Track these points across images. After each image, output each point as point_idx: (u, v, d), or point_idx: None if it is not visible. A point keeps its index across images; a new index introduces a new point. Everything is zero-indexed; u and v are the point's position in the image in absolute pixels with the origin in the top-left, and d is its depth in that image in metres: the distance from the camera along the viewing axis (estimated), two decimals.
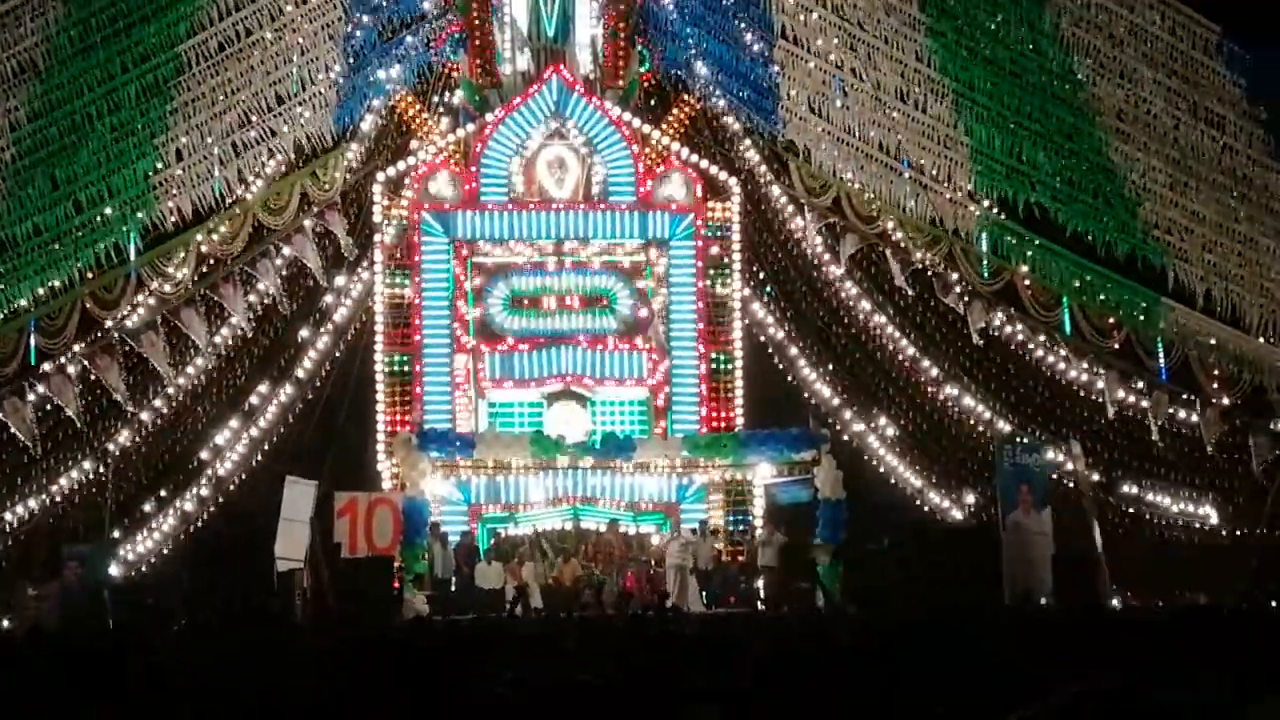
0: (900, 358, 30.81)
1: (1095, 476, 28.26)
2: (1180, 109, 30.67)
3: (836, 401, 30.72)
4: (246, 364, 30.23)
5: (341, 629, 19.15)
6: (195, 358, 29.33)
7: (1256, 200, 30.23)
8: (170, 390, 28.95)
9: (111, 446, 28.11)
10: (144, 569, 27.15)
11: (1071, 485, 27.54)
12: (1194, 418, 29.32)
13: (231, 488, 28.93)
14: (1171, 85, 30.72)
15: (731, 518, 29.48)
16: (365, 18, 29.94)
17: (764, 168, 31.51)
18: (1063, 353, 30.18)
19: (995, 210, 29.99)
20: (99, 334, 28.42)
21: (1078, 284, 30.05)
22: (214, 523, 28.29)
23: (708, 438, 28.77)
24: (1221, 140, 30.67)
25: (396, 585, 25.62)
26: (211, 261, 29.47)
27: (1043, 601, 23.35)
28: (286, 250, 29.75)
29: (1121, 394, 29.59)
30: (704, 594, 26.78)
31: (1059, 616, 18.70)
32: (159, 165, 28.49)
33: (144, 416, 28.72)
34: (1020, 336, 30.29)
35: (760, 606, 26.68)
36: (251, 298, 29.59)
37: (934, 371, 30.54)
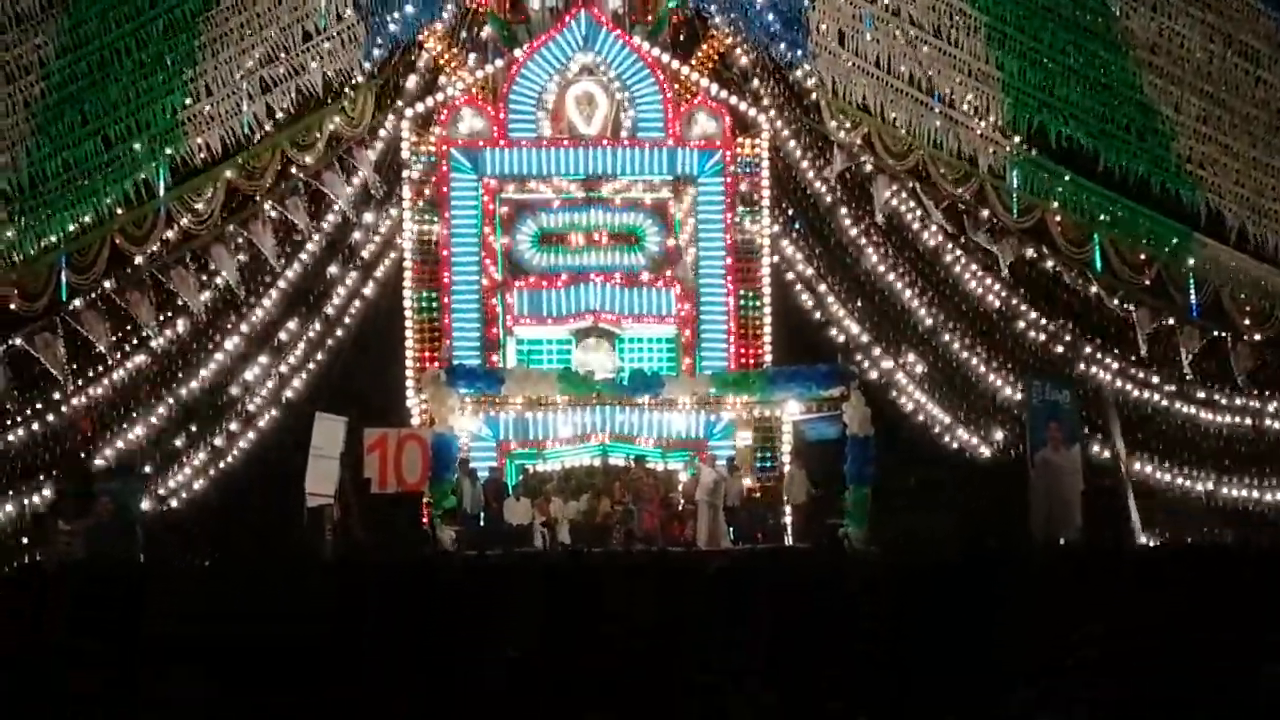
0: (930, 294, 30.63)
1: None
2: (1214, 42, 30.21)
3: (865, 338, 30.56)
4: (276, 300, 30.14)
5: (371, 563, 19.23)
6: (223, 294, 29.31)
7: None
8: (199, 325, 28.97)
9: (142, 381, 28.18)
10: (175, 504, 27.25)
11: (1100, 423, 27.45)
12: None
13: (262, 423, 28.98)
14: (1205, 19, 30.24)
15: (759, 454, 29.42)
16: None
17: (794, 104, 31.27)
18: (1094, 289, 29.97)
19: (1026, 145, 29.66)
20: (129, 269, 28.41)
21: (1109, 219, 29.75)
22: (244, 458, 28.34)
23: (736, 374, 28.64)
24: (1255, 73, 30.22)
25: (425, 521, 25.66)
26: (241, 198, 29.38)
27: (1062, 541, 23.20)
28: (315, 186, 29.64)
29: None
30: (731, 530, 26.75)
31: (1087, 556, 18.61)
32: (187, 101, 28.35)
33: (173, 351, 28.75)
34: (1052, 272, 30.14)
35: (788, 543, 26.64)
36: (280, 233, 29.50)
37: (963, 308, 30.41)
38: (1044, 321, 30.29)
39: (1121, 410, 27.72)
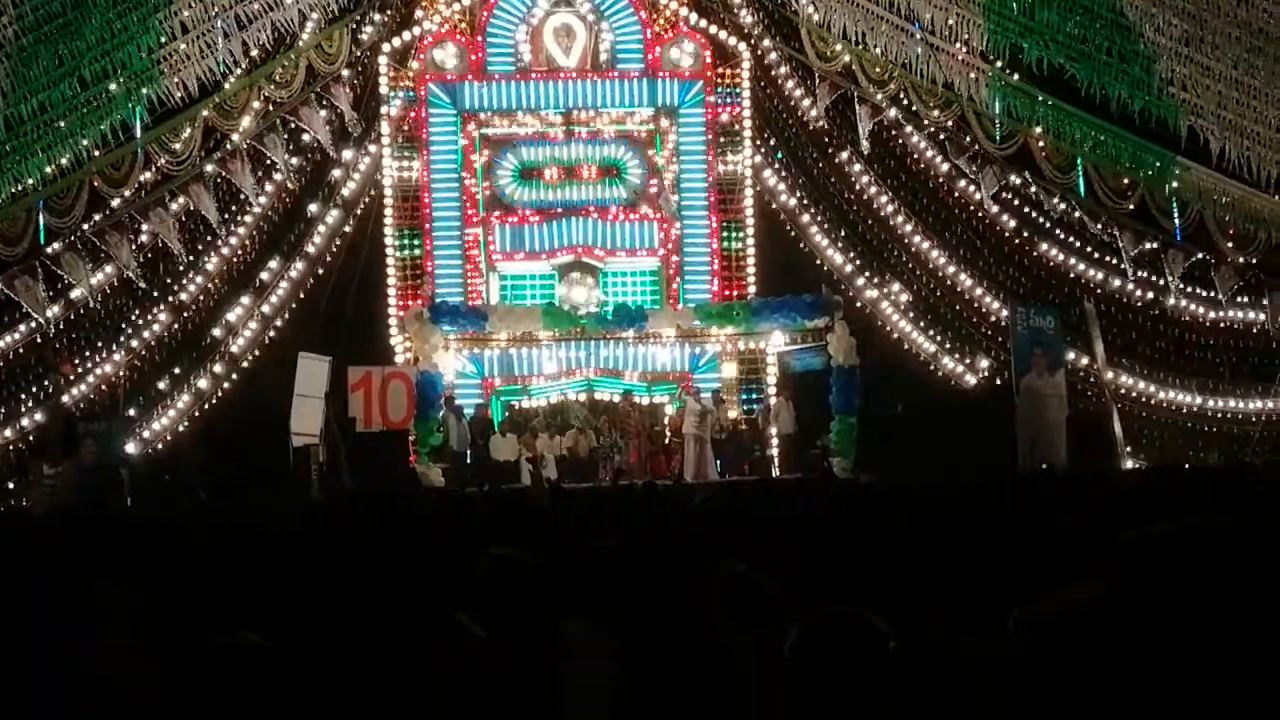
0: (914, 222, 30.60)
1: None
2: None
3: (849, 269, 30.53)
4: (256, 240, 29.98)
5: (357, 500, 19.17)
6: (205, 234, 29.14)
7: (1273, 54, 29.58)
8: (181, 267, 28.83)
9: (125, 325, 28.07)
10: (160, 446, 27.17)
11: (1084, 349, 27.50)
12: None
13: (245, 364, 28.89)
14: None
15: (745, 386, 29.48)
16: None
17: (775, 32, 31.15)
18: (1078, 214, 29.93)
19: (1007, 70, 29.49)
20: (108, 210, 28.22)
21: (1091, 145, 29.65)
22: (229, 399, 28.26)
23: (719, 306, 28.62)
24: None
25: (412, 459, 25.64)
26: (219, 136, 29.16)
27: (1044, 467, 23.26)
28: (294, 125, 29.40)
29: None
30: (718, 462, 26.80)
31: (1071, 482, 18.61)
32: (162, 40, 28.02)
33: (155, 293, 28.63)
34: (1035, 198, 30.09)
35: (775, 474, 26.71)
36: (259, 173, 29.29)
37: (947, 235, 30.39)
38: (1028, 246, 30.28)
39: (1105, 330, 27.74)
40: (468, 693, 5.73)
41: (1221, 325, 29.42)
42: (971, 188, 30.52)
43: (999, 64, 29.45)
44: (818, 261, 30.63)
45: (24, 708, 5.17)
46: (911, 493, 13.54)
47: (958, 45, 29.28)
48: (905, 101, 30.12)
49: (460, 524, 11.53)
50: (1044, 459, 22.93)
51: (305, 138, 29.68)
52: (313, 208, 30.04)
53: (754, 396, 29.42)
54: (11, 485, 25.75)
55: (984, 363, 29.63)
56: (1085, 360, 27.85)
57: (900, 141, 30.81)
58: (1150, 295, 29.62)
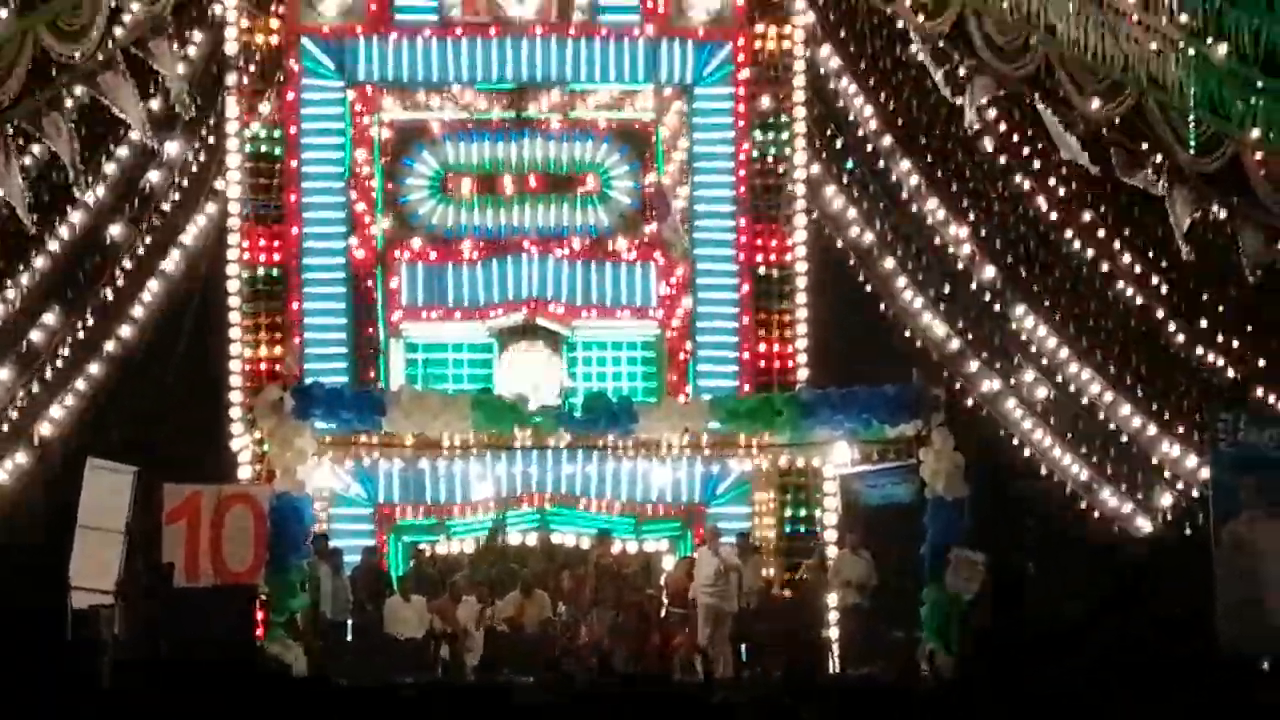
0: (1059, 277, 30.77)
1: None
2: None
3: (956, 343, 30.64)
4: (25, 275, 30.08)
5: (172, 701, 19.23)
6: None
7: None
8: None
9: None
10: None
11: None
12: None
13: (1, 474, 28.91)
14: None
15: (789, 528, 29.56)
16: None
17: None
18: None
19: (1213, 43, 29.75)
20: None
21: None
22: None
23: (751, 400, 28.58)
24: None
25: (259, 631, 25.61)
26: None
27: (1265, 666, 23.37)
28: (87, 95, 29.53)
29: None
30: (743, 648, 26.82)
31: None
32: None
33: None
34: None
35: (834, 668, 26.72)
36: (32, 167, 29.40)
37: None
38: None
39: None
40: None
41: None
42: (1153, 219, 30.74)
43: (1199, 31, 29.71)
44: (907, 333, 30.76)
45: None
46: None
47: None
48: (1049, 87, 30.29)
49: None
50: (1264, 647, 23.05)
51: (108, 119, 29.82)
52: (115, 230, 30.11)
53: (803, 537, 29.49)
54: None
55: (1165, 498, 29.67)
56: None
57: (1041, 151, 30.98)
58: None
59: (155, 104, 29.91)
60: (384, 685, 22.02)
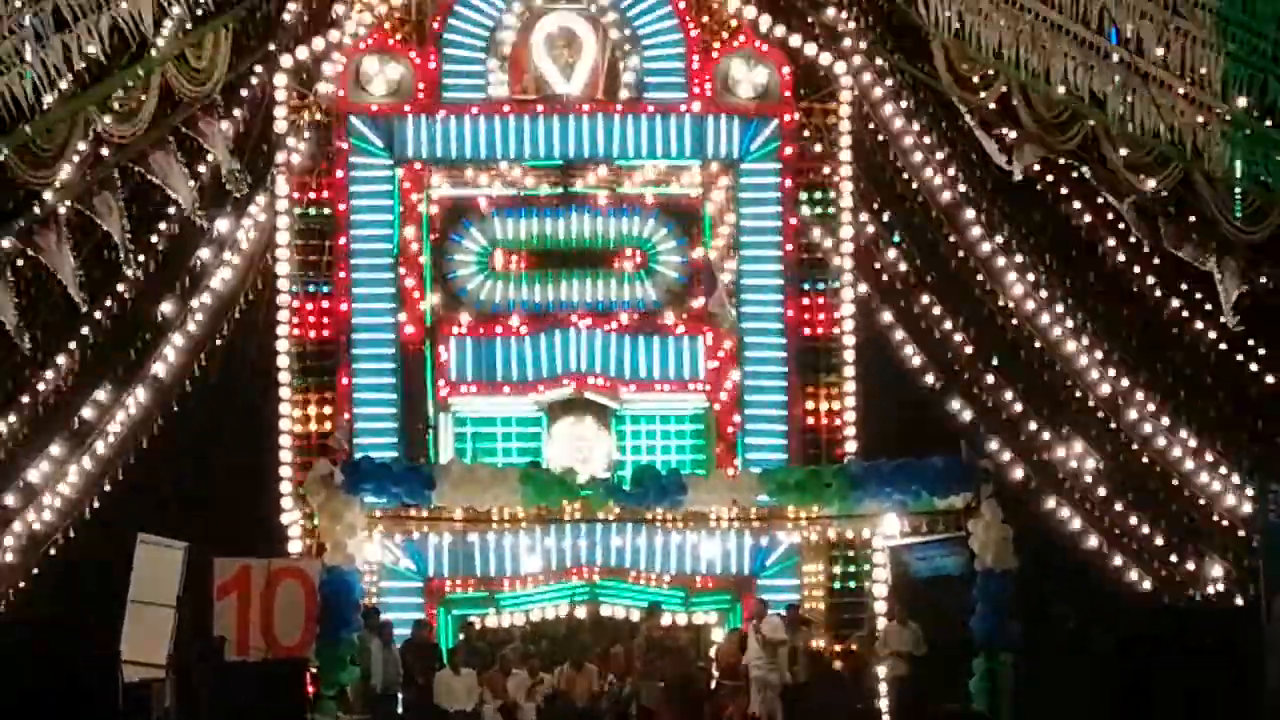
0: (1107, 347, 30.81)
1: None
2: None
3: (1006, 415, 30.62)
4: (80, 357, 30.24)
5: None
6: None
7: None
8: None
9: None
10: None
11: None
12: None
13: (52, 550, 29.02)
14: None
15: (839, 599, 29.56)
16: None
17: (890, 43, 31.52)
18: None
19: (1256, 115, 29.73)
20: None
21: None
22: (22, 606, 28.37)
23: (801, 472, 28.46)
24: None
25: (310, 703, 25.61)
26: (22, 195, 29.46)
27: None
28: (139, 177, 29.68)
29: None
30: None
31: None
32: None
33: None
34: None
35: None
36: (80, 250, 29.52)
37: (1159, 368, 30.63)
38: None
39: None
40: None
41: None
42: (1198, 293, 30.75)
43: (1243, 102, 29.68)
44: (955, 405, 30.73)
45: None
46: None
47: (1178, 74, 29.54)
48: (1096, 155, 30.33)
49: None
50: None
51: (158, 198, 30.02)
52: (165, 308, 30.32)
53: (851, 604, 29.58)
54: None
55: (1216, 569, 29.56)
56: None
57: (1085, 219, 31.06)
58: None
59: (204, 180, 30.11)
60: None
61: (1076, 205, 31.59)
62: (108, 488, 29.52)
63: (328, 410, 29.78)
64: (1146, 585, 29.91)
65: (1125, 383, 31.08)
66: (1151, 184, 29.91)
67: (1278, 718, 23.38)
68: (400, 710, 26.40)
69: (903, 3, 31.11)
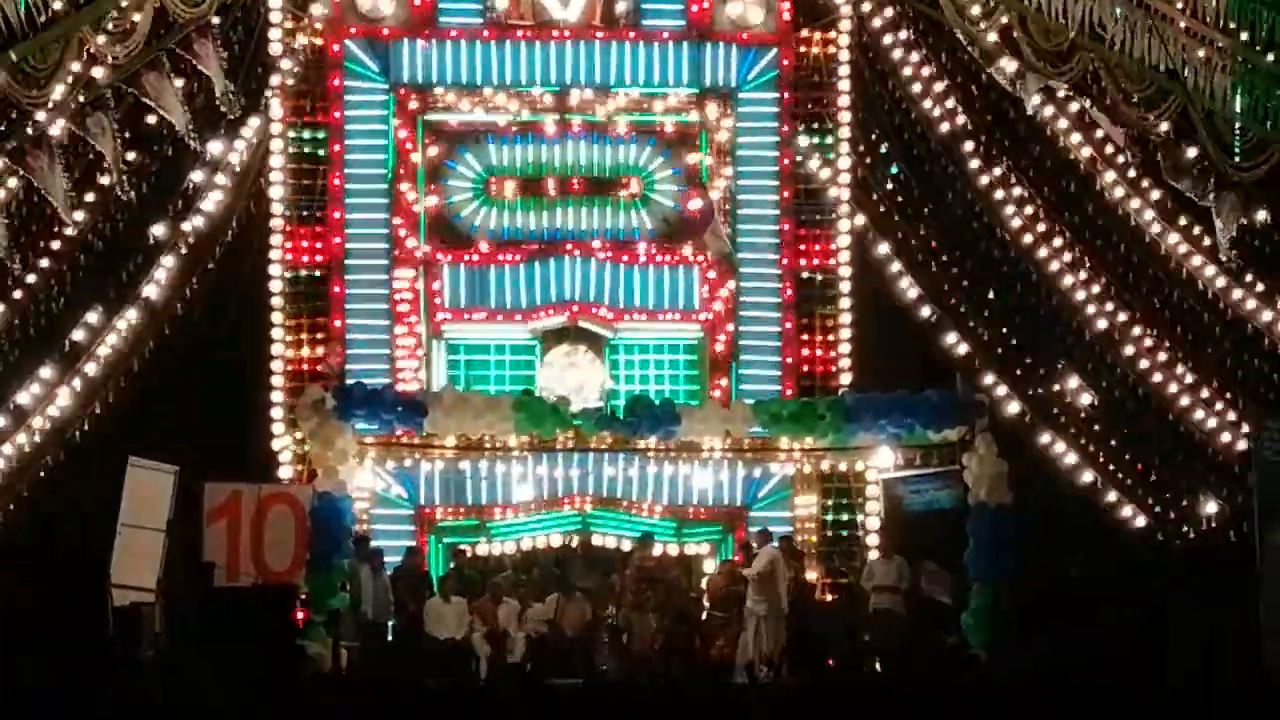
0: (1103, 281, 30.78)
1: None
2: None
3: (1000, 352, 30.58)
4: (68, 276, 30.19)
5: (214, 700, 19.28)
6: None
7: None
8: None
9: None
10: None
11: None
12: None
13: (41, 473, 29.00)
14: None
15: (831, 531, 29.53)
16: None
17: None
18: None
19: (1261, 49, 29.67)
20: None
21: None
22: (10, 527, 28.35)
23: (795, 403, 28.52)
24: None
25: (299, 628, 25.56)
26: (14, 115, 29.39)
27: None
28: (132, 97, 29.59)
29: None
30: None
31: None
32: None
33: None
34: None
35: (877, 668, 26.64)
36: (73, 173, 29.46)
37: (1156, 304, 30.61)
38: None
39: None
40: None
41: None
42: (1196, 227, 30.69)
43: (1244, 37, 29.64)
44: (950, 337, 30.72)
45: None
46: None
47: (1180, 7, 29.51)
48: (1096, 90, 30.28)
49: None
50: None
51: (150, 120, 29.88)
52: (157, 229, 30.22)
53: (844, 541, 29.58)
54: None
55: (1210, 506, 29.58)
56: None
57: (1084, 152, 30.97)
58: None
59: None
60: (424, 685, 22.05)
61: (1076, 139, 31.21)
62: (98, 410, 29.33)
63: (319, 336, 29.63)
64: (1140, 522, 29.75)
65: (1122, 317, 30.66)
66: (1155, 121, 29.88)
67: (1273, 658, 23.45)
68: (388, 637, 26.32)
69: None
